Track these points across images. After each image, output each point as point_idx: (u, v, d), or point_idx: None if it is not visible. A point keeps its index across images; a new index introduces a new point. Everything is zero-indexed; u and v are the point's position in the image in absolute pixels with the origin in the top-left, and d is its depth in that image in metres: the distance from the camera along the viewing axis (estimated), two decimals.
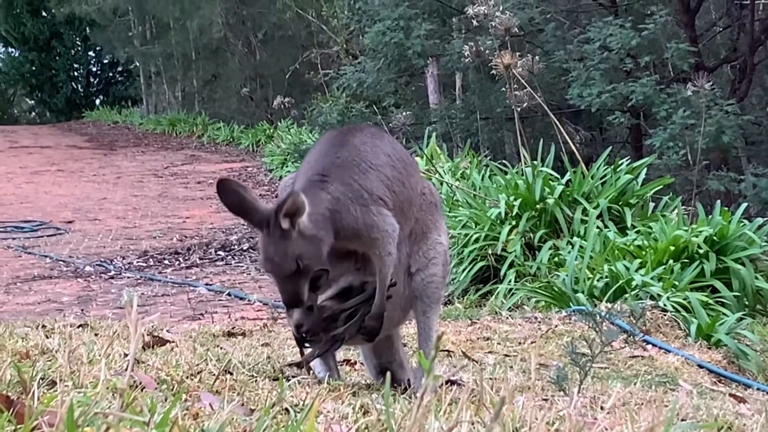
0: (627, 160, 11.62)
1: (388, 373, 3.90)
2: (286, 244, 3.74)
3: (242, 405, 2.91)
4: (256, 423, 2.28)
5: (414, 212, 4.17)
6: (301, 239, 3.76)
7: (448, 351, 6.09)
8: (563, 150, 11.84)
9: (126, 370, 3.41)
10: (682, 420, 4.02)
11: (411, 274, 4.20)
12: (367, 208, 3.94)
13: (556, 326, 7.44)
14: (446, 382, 4.18)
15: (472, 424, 2.55)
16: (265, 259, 3.82)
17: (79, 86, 52.31)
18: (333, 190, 3.91)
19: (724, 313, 8.26)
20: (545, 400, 4.13)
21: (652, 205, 11.08)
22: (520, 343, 6.81)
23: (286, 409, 2.78)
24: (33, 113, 55.86)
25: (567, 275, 8.85)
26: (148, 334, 5.18)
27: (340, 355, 4.58)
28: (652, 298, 8.14)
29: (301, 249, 3.76)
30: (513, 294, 9.41)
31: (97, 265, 13.13)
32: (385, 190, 4.02)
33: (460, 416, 2.55)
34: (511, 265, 10.05)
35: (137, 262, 13.55)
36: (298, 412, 2.72)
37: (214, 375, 3.53)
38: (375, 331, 4.08)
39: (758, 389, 6.61)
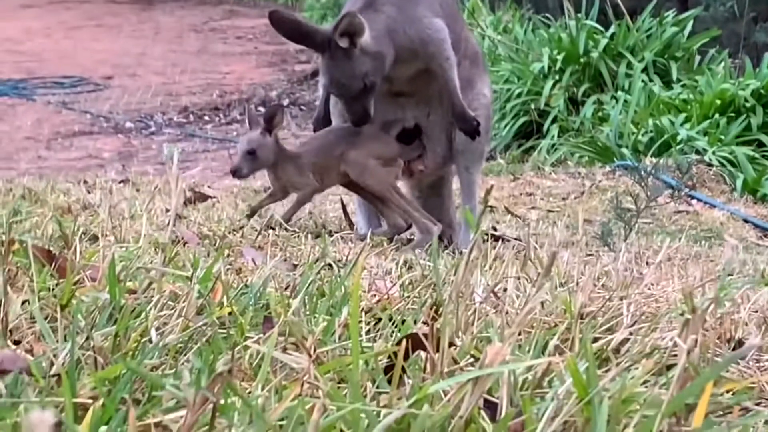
0: (673, 12, 11.41)
1: (436, 227, 3.91)
2: (351, 64, 3.78)
3: (285, 260, 2.89)
4: (299, 278, 2.25)
5: (459, 57, 4.12)
6: (365, 57, 3.80)
7: (490, 207, 6.05)
8: (608, 2, 11.61)
9: (168, 225, 3.40)
10: (729, 275, 3.98)
11: (453, 126, 4.15)
12: (420, 23, 3.95)
13: (600, 181, 7.38)
14: (491, 238, 4.15)
15: (518, 279, 2.51)
16: (330, 81, 3.86)
17: None
18: (387, 11, 3.92)
19: None
20: (590, 255, 4.09)
21: (698, 58, 10.92)
22: (563, 199, 6.77)
23: (329, 265, 2.75)
24: None
25: (611, 130, 8.77)
26: (189, 190, 5.17)
27: None
28: (697, 152, 8.06)
29: (367, 67, 3.80)
30: (556, 149, 9.35)
31: (137, 121, 13.14)
32: None
33: (506, 272, 2.52)
34: (554, 120, 9.97)
35: (177, 118, 13.53)
36: (341, 268, 2.69)
37: (256, 231, 3.51)
38: (473, 128, 4.07)
39: None
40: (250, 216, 3.94)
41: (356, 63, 3.77)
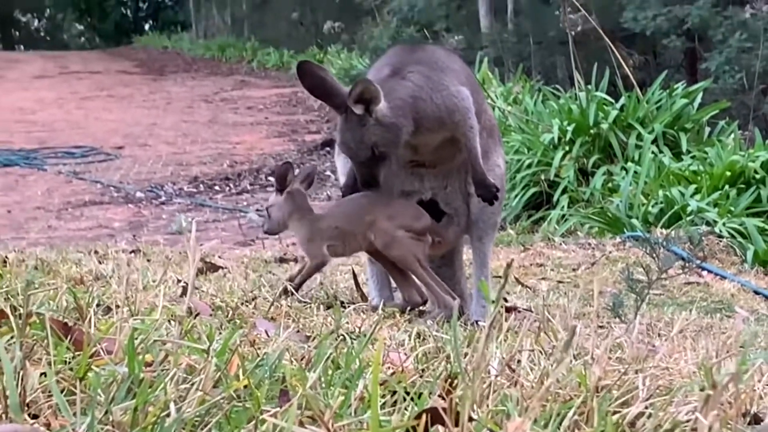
0: (683, 84, 11.47)
1: (456, 302, 3.90)
2: (362, 131, 3.75)
3: (298, 332, 2.89)
4: (314, 350, 2.25)
5: (478, 125, 4.13)
6: (378, 126, 3.76)
7: (500, 277, 6.04)
8: (617, 74, 11.70)
9: (181, 296, 3.40)
10: (741, 347, 3.96)
11: (469, 196, 4.15)
12: (447, 92, 3.92)
13: (610, 252, 7.37)
14: (503, 309, 4.13)
15: (532, 351, 2.51)
16: (341, 142, 3.83)
17: (129, 11, 52.45)
18: (414, 79, 3.90)
19: None
20: (601, 327, 4.08)
21: (707, 129, 10.95)
22: (573, 270, 6.76)
23: (343, 337, 2.75)
24: (82, 38, 56.01)
25: (621, 201, 8.78)
26: (200, 260, 5.17)
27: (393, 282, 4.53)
28: (707, 224, 8.05)
29: (377, 137, 3.76)
30: (566, 220, 9.35)
31: (147, 190, 13.19)
32: None
33: (521, 344, 2.51)
34: (564, 191, 9.98)
35: (188, 188, 13.59)
36: (354, 339, 2.69)
37: (268, 301, 3.51)
38: (492, 195, 4.05)
39: None
40: (296, 289, 3.93)
41: (368, 131, 3.74)
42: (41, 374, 1.81)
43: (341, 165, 4.23)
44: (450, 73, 4.00)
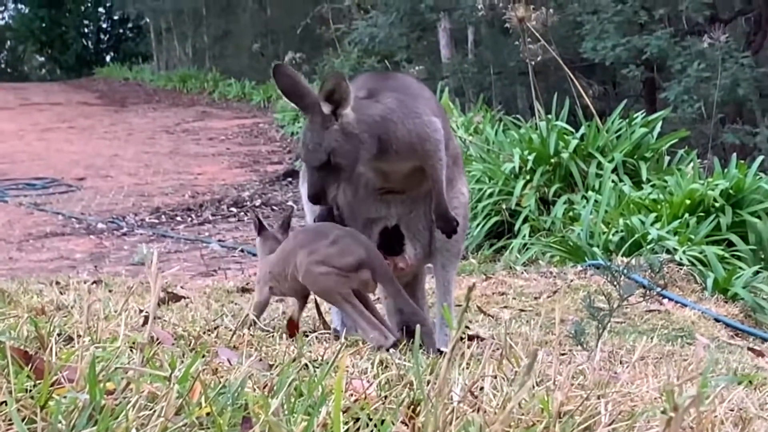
0: (642, 114, 11.54)
1: (418, 327, 3.87)
2: (323, 134, 3.70)
3: (260, 360, 2.88)
4: (277, 378, 2.24)
5: (446, 156, 4.13)
6: (340, 134, 3.72)
7: (460, 305, 6.04)
8: (577, 104, 11.77)
9: (143, 325, 3.39)
10: (699, 374, 3.98)
11: (433, 223, 4.15)
12: (420, 120, 3.90)
13: (572, 281, 7.40)
14: (466, 337, 4.14)
15: (495, 377, 2.52)
16: (301, 144, 3.79)
17: (90, 43, 52.30)
18: (387, 102, 3.87)
19: (740, 267, 8.21)
20: (563, 354, 4.10)
21: (667, 158, 11.02)
22: (535, 298, 6.77)
23: (305, 365, 2.75)
24: (43, 70, 55.75)
25: (582, 230, 8.81)
26: (162, 290, 5.15)
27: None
28: (668, 252, 8.09)
29: (336, 144, 3.70)
30: (527, 249, 9.37)
31: (109, 221, 13.13)
32: None
33: (483, 371, 2.52)
34: (525, 220, 10.01)
35: (149, 218, 13.54)
36: (317, 368, 2.68)
37: (230, 330, 3.50)
38: (452, 229, 4.05)
39: None
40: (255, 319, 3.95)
41: (328, 135, 3.69)
42: (1, 403, 1.81)
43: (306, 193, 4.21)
44: (422, 101, 3.99)
